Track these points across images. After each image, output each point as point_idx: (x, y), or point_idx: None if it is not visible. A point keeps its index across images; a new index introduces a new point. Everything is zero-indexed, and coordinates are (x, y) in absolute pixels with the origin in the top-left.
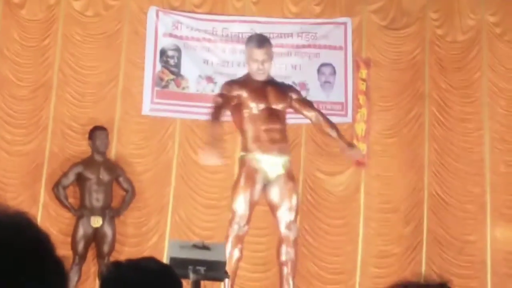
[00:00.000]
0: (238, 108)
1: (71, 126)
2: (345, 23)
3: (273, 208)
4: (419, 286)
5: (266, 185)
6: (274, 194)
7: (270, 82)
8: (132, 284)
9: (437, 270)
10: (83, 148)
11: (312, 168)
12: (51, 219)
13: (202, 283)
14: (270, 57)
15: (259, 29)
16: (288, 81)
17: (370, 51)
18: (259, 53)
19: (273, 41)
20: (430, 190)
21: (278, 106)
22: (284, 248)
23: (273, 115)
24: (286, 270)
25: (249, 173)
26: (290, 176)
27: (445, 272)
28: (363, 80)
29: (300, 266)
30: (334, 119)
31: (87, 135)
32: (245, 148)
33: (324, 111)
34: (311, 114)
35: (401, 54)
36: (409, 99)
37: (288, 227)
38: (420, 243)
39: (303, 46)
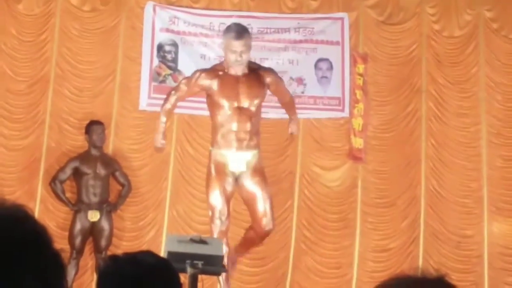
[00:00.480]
0: (211, 102)
1: (69, 120)
2: (342, 18)
3: (245, 203)
4: (415, 280)
5: (237, 179)
6: (244, 190)
7: (245, 76)
8: (129, 277)
9: (434, 265)
10: (80, 142)
11: (309, 162)
12: (49, 214)
13: (200, 277)
14: (248, 48)
15: (256, 24)
16: (285, 76)
17: (367, 46)
18: (237, 44)
19: (270, 36)
20: (427, 184)
21: (252, 105)
22: (249, 232)
23: (244, 115)
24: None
25: (217, 167)
26: (258, 170)
27: (442, 266)
28: (360, 75)
29: (298, 260)
30: (331, 114)
31: (84, 130)
32: (213, 143)
33: (321, 106)
34: (283, 101)
35: (398, 49)
36: (406, 94)
37: (258, 221)
38: (417, 238)
39: (300, 41)
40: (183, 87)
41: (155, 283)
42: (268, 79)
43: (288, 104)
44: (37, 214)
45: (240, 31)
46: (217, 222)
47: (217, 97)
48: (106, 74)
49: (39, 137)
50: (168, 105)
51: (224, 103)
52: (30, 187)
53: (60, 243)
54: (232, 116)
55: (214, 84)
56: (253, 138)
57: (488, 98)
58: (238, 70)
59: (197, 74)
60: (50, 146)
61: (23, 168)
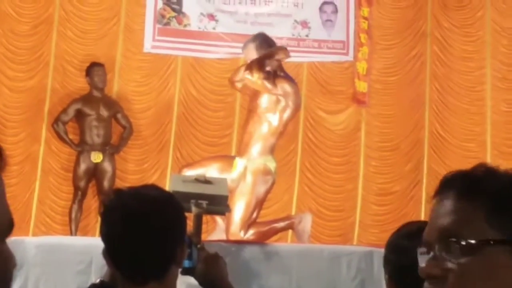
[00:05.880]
0: None
1: (73, 63)
2: None
3: None
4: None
5: None
6: None
7: None
8: (133, 211)
9: None
10: (85, 85)
11: (313, 106)
12: (53, 155)
13: (205, 218)
14: None
15: None
16: (289, 20)
17: None
18: None
19: None
20: (431, 128)
21: None
22: None
23: None
24: None
25: None
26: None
27: None
28: (365, 18)
29: (301, 203)
30: (335, 58)
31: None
32: None
33: (325, 50)
34: None
35: None
36: (411, 38)
37: None
38: (420, 181)
39: None
40: None
41: (159, 216)
42: None
43: None
44: (41, 155)
45: None
46: None
47: None
48: (110, 16)
49: (43, 78)
50: None
51: None
52: (35, 129)
53: (64, 185)
54: None
55: None
56: None
57: (493, 42)
58: None
59: None
60: (55, 88)
61: (27, 110)
